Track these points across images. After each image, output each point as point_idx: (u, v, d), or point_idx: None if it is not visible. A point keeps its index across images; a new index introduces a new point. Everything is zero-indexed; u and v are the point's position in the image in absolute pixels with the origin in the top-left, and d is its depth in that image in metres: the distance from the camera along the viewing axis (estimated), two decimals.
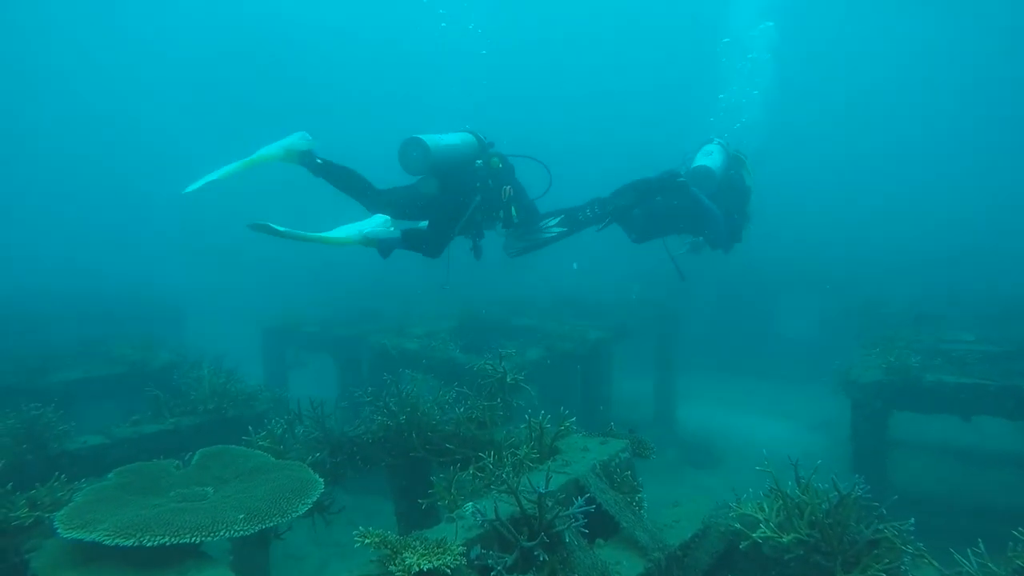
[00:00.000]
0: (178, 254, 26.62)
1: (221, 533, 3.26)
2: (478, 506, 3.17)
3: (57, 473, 4.05)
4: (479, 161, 5.92)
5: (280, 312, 11.76)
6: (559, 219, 6.44)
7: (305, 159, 5.46)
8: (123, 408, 6.83)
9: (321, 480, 4.03)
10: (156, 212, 30.97)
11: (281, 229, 5.00)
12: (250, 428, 4.91)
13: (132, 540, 3.08)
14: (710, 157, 6.88)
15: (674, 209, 6.57)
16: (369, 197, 5.67)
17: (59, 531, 3.17)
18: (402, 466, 5.27)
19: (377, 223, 5.69)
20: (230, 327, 15.59)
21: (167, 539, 3.11)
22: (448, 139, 5.79)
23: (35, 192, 31.88)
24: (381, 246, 5.68)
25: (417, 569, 2.62)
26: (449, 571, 2.66)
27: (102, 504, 3.60)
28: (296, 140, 5.44)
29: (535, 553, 2.91)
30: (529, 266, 7.52)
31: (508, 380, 4.97)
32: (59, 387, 6.89)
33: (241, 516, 3.39)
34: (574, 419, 4.35)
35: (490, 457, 4.18)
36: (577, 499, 3.27)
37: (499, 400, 4.99)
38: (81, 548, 3.20)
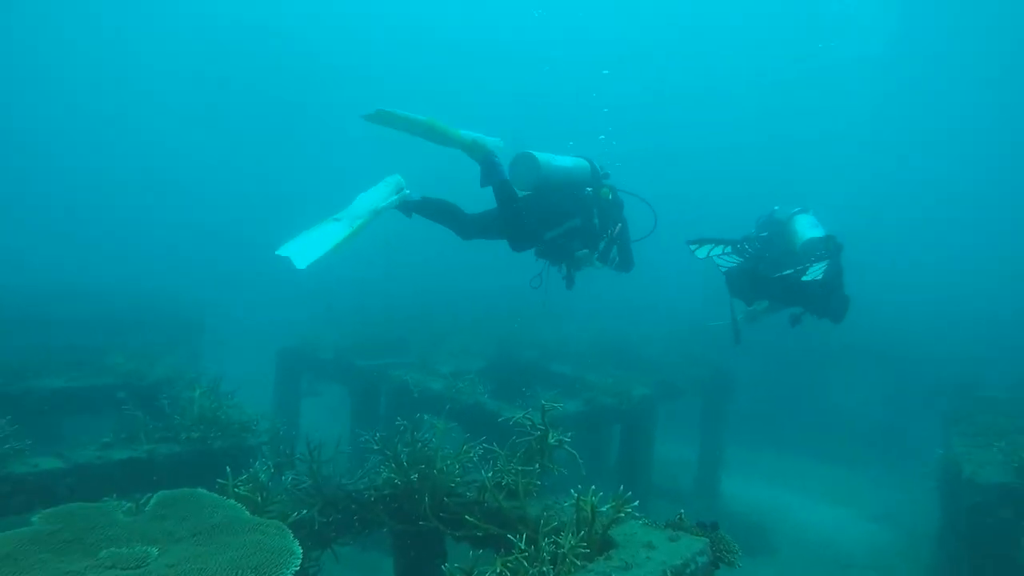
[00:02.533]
0: (202, 263, 26.33)
1: None
2: None
3: None
4: (589, 189, 5.73)
5: (299, 333, 10.94)
6: (730, 248, 6.47)
7: (404, 203, 5.31)
8: (116, 427, 5.98)
9: (299, 552, 3.06)
10: (180, 218, 31.05)
11: (400, 113, 4.70)
12: (228, 470, 3.97)
13: None
14: (817, 229, 6.42)
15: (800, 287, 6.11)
16: (460, 222, 5.53)
17: None
18: (410, 534, 4.26)
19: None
20: (249, 344, 14.88)
21: None
22: (561, 160, 5.61)
23: (54, 193, 32.03)
24: (487, 161, 5.32)
25: None
26: None
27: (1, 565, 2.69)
28: (393, 188, 5.25)
29: None
30: (570, 308, 6.74)
31: (550, 440, 3.96)
32: (37, 395, 6.08)
33: None
34: (636, 502, 3.29)
35: (521, 541, 3.16)
36: None
37: (537, 466, 3.97)
38: None
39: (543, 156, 5.48)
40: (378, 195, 5.16)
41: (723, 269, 6.52)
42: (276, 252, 4.74)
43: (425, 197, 5.43)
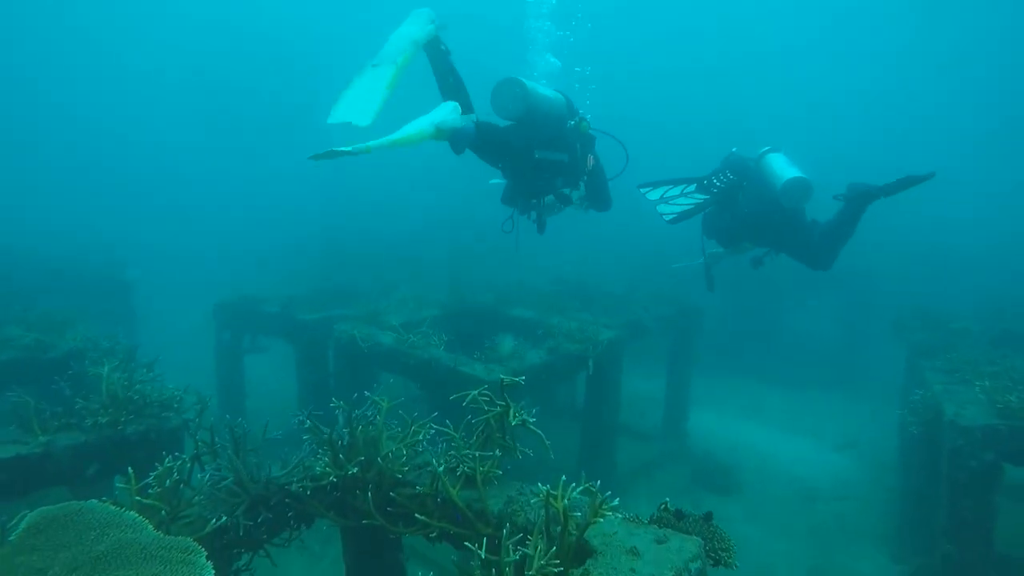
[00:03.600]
0: (131, 212, 24.74)
1: None
2: None
3: None
4: (571, 122, 5.49)
5: (239, 285, 10.09)
6: (693, 186, 6.11)
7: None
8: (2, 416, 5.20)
9: None
10: (105, 164, 29.12)
11: (347, 149, 3.99)
12: (130, 471, 3.30)
13: None
14: (793, 169, 5.87)
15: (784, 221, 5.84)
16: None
17: None
18: (358, 529, 3.72)
19: (447, 110, 4.71)
20: (188, 300, 13.90)
21: None
22: (544, 89, 5.33)
23: None
24: (455, 137, 4.74)
25: None
26: None
27: None
28: (425, 19, 4.92)
29: None
30: (528, 248, 6.22)
31: (511, 419, 3.39)
32: None
33: None
34: (616, 501, 2.76)
35: (481, 549, 2.63)
36: None
37: (497, 450, 3.42)
38: None
39: (529, 83, 5.14)
40: (413, 27, 4.87)
41: (674, 213, 6.10)
42: (328, 121, 4.39)
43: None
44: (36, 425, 4.35)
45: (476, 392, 3.42)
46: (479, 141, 5.00)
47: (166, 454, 3.42)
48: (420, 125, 4.49)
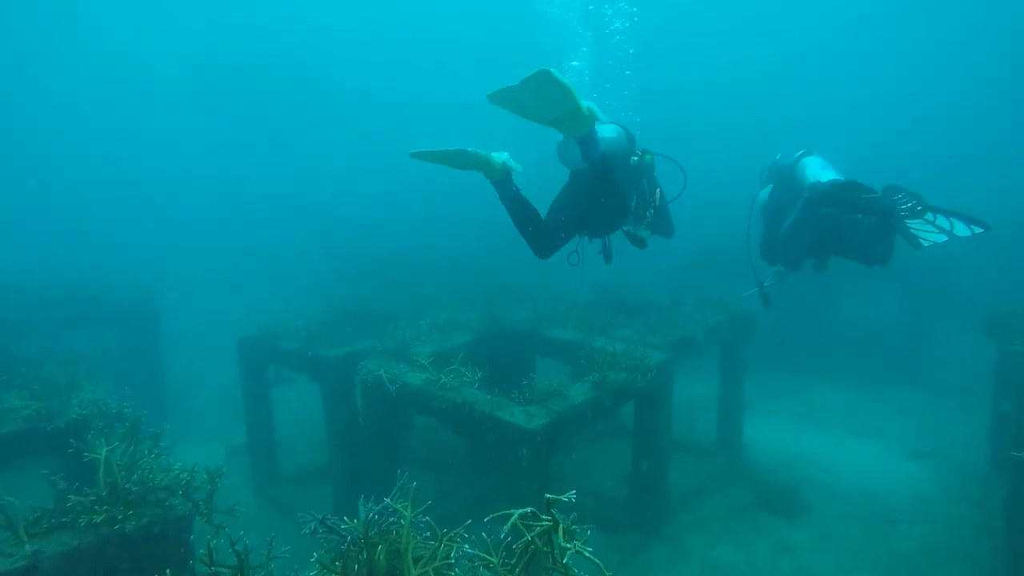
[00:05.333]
0: (152, 228, 24.65)
1: None
2: None
3: None
4: (634, 157, 5.22)
5: (263, 315, 9.63)
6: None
7: (504, 179, 4.76)
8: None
9: None
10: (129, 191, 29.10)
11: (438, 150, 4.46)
12: None
13: None
14: (828, 171, 5.64)
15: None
16: (538, 233, 4.93)
17: None
18: None
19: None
20: (214, 331, 13.56)
21: None
22: (606, 131, 4.96)
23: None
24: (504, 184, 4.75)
25: None
26: None
27: None
28: (507, 157, 4.81)
29: None
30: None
31: (560, 541, 2.73)
32: None
33: None
34: None
35: None
36: None
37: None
38: None
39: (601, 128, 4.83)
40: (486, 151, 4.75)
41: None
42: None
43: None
44: (22, 529, 3.87)
45: (516, 515, 2.75)
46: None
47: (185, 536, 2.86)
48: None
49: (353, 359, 7.50)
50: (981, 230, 5.24)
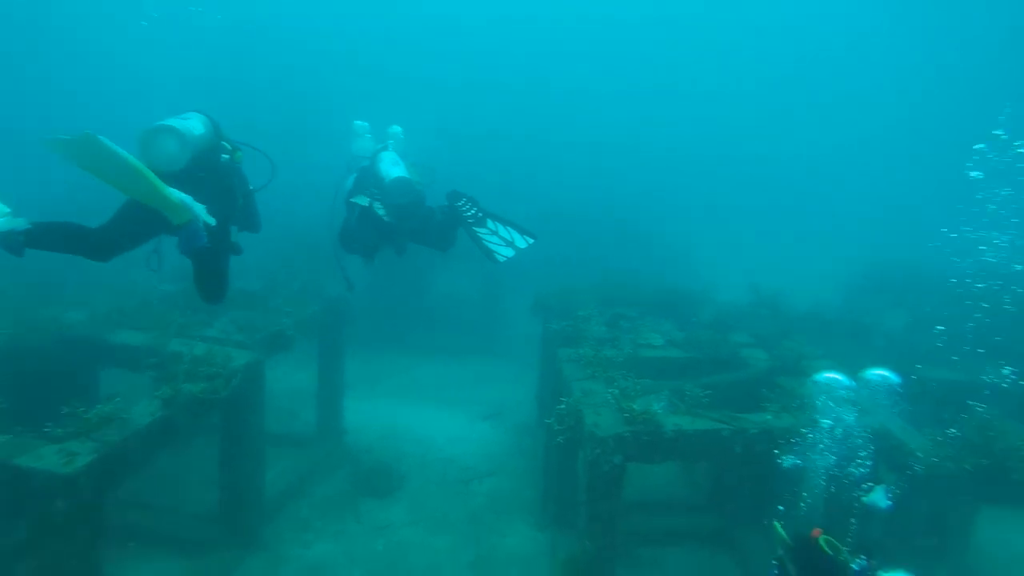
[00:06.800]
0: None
1: None
2: None
3: None
4: (225, 156, 4.71)
5: None
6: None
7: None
8: None
9: None
10: None
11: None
12: None
13: None
14: (398, 167, 6.00)
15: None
16: (90, 243, 4.15)
17: None
18: None
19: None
20: None
21: None
22: (193, 125, 4.41)
23: None
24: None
25: None
26: None
27: None
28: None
29: None
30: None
31: None
32: None
33: None
34: None
35: None
36: None
37: None
38: None
39: (180, 123, 4.28)
40: None
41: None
42: None
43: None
44: None
45: None
46: None
47: None
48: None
49: None
50: (533, 240, 6.20)
